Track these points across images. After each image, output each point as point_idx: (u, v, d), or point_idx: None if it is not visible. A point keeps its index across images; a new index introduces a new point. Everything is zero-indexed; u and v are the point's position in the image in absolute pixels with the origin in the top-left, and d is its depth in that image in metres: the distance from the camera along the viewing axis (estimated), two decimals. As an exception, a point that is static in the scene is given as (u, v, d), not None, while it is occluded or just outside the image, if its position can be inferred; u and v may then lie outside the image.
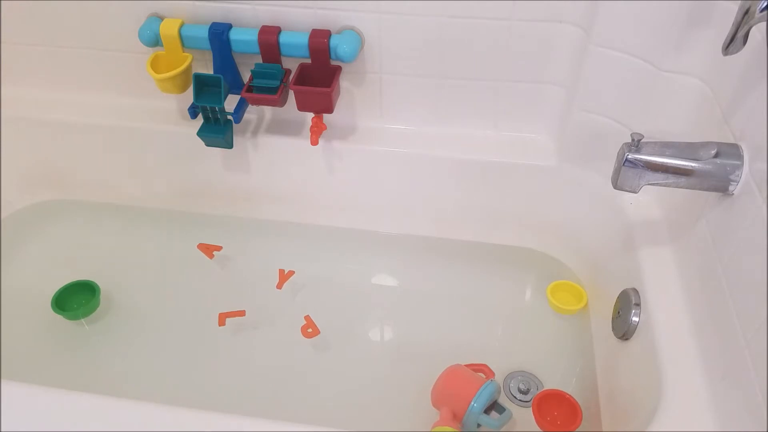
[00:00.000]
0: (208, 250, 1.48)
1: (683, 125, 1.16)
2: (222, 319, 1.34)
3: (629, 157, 1.02)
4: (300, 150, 1.45)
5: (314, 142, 1.38)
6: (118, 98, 1.54)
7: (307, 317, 1.34)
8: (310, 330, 1.32)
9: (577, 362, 1.32)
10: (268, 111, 1.50)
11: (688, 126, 1.15)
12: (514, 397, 1.25)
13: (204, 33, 1.34)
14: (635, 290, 1.14)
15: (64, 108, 1.54)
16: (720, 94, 1.06)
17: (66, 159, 1.59)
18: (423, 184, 1.47)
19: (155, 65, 1.38)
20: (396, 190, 1.50)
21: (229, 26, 1.34)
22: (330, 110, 1.35)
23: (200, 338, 1.37)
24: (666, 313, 1.07)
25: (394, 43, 1.33)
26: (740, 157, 0.96)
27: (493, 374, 1.23)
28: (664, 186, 1.03)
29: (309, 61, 1.35)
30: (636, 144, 1.02)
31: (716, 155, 1.00)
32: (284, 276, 1.42)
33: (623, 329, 1.14)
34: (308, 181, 1.51)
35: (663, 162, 1.03)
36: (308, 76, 1.35)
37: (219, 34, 1.33)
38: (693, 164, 1.01)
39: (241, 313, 1.35)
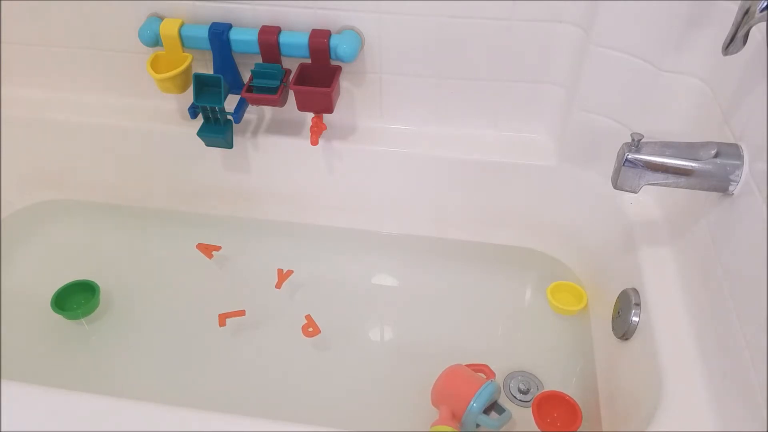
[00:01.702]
0: (207, 250, 1.48)
1: (683, 125, 1.16)
2: (222, 319, 1.33)
3: (629, 157, 1.02)
4: (300, 150, 1.45)
5: (314, 142, 1.38)
6: (118, 98, 1.54)
7: (308, 316, 1.34)
8: (311, 329, 1.32)
9: (577, 362, 1.32)
10: (268, 111, 1.50)
11: (688, 126, 1.15)
12: (514, 397, 1.25)
13: (204, 33, 1.34)
14: (635, 290, 1.14)
15: (64, 108, 1.54)
16: (720, 94, 1.06)
17: (66, 159, 1.59)
18: (423, 184, 1.47)
19: (155, 65, 1.38)
20: (396, 190, 1.50)
21: (229, 26, 1.34)
22: (330, 110, 1.35)
23: (200, 338, 1.37)
24: (666, 313, 1.07)
25: (394, 43, 1.32)
26: (740, 157, 0.96)
27: (494, 375, 1.23)
28: (664, 186, 1.03)
29: (309, 61, 1.34)
30: (636, 144, 1.02)
31: (716, 155, 1.00)
32: (283, 276, 1.42)
33: (623, 329, 1.14)
34: (308, 181, 1.51)
35: (663, 162, 1.03)
36: (308, 76, 1.35)
37: (219, 34, 1.33)
38: (693, 164, 1.01)
39: (241, 313, 1.35)
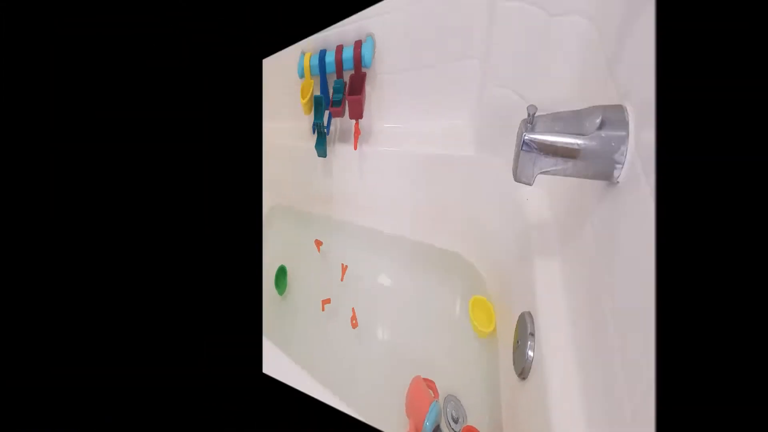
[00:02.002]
0: (317, 245, 1.40)
1: (570, 86, 0.64)
2: (323, 305, 1.21)
3: (526, 138, 0.63)
4: (351, 155, 1.22)
5: (355, 147, 1.16)
6: (285, 122, 1.44)
7: (353, 309, 1.13)
8: (354, 321, 1.11)
9: (487, 396, 0.82)
10: (336, 121, 1.29)
11: (575, 86, 0.63)
12: (448, 424, 0.83)
13: (316, 61, 1.26)
14: (530, 315, 0.66)
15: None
16: (606, 35, 0.55)
17: (285, 173, 1.49)
18: (393, 181, 1.11)
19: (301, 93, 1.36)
20: (380, 189, 1.17)
21: (325, 52, 1.25)
22: (361, 115, 1.11)
23: (317, 318, 1.24)
24: (555, 346, 0.60)
25: (391, 42, 1.04)
26: (625, 124, 0.51)
27: (437, 395, 0.84)
28: (553, 174, 0.61)
29: (353, 72, 1.15)
30: (531, 120, 0.63)
31: (601, 125, 0.56)
32: (344, 269, 1.22)
33: (521, 365, 0.66)
34: (348, 183, 1.28)
35: (552, 142, 0.61)
36: (351, 87, 1.15)
37: (322, 60, 1.28)
38: (578, 141, 0.58)
39: (328, 301, 1.20)
